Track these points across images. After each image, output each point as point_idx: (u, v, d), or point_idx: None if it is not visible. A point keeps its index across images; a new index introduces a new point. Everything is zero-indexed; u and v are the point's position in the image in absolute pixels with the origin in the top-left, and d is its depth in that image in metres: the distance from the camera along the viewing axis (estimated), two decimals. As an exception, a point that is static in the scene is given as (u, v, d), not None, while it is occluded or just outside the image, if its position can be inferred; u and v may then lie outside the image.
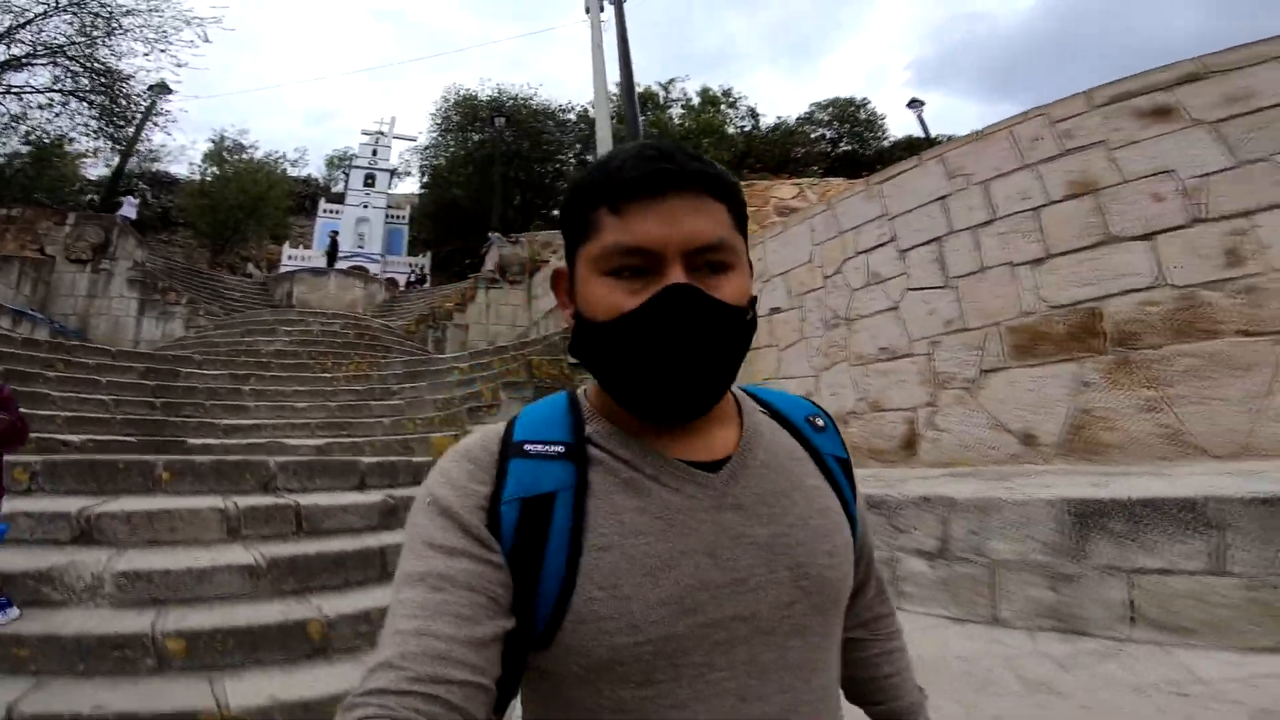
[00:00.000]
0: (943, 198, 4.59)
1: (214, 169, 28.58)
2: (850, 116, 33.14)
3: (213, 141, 30.03)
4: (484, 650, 0.49)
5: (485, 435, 0.60)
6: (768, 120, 33.13)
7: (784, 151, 30.56)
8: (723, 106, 31.71)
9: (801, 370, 5.65)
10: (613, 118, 13.70)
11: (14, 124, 16.12)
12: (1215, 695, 2.15)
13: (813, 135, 33.13)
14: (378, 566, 3.32)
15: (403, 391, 7.73)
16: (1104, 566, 2.76)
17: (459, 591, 0.50)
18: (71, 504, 2.98)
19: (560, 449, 0.58)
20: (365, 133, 34.73)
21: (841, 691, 0.67)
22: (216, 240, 25.52)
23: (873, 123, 33.05)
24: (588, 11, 14.09)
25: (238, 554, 2.98)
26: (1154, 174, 3.52)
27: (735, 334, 0.56)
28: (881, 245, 5.01)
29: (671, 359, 0.54)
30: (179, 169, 27.75)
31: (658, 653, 0.52)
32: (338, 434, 6.32)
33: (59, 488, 3.21)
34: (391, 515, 3.80)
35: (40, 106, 15.83)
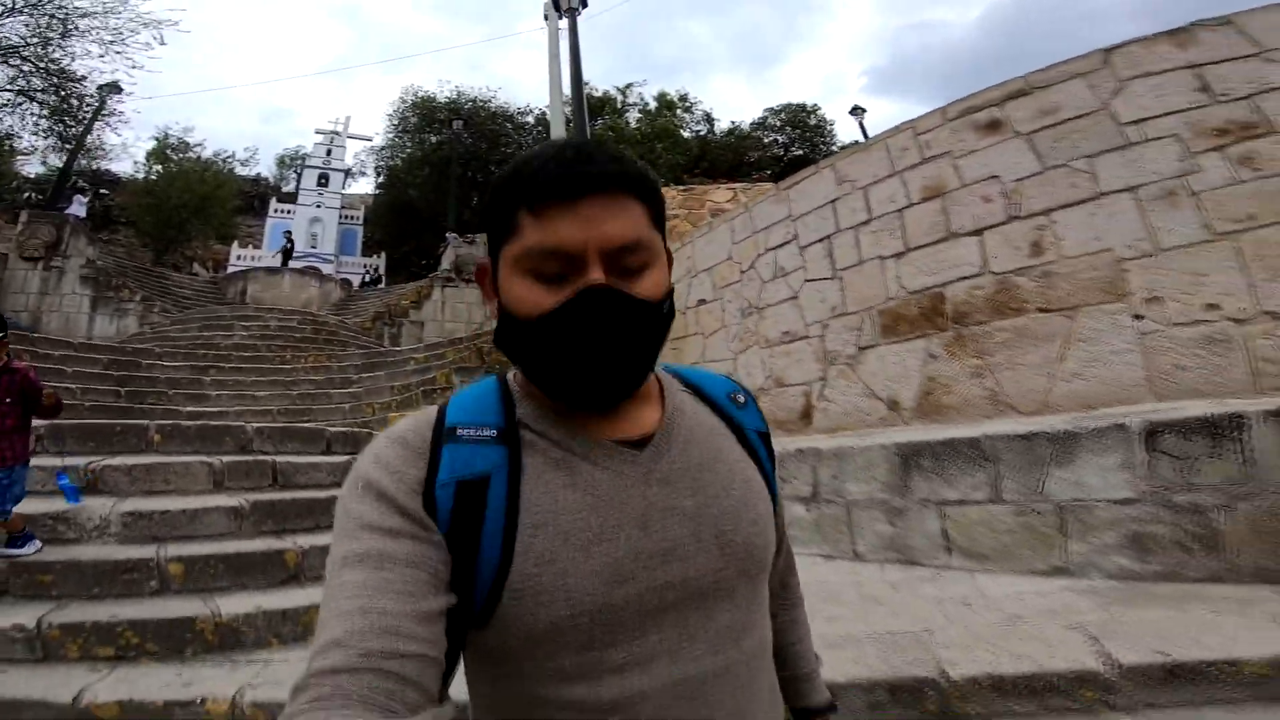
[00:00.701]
0: (833, 201, 5.37)
1: (158, 167, 28.08)
2: (801, 122, 34.28)
3: (156, 139, 29.27)
4: (431, 624, 0.50)
5: (417, 420, 0.62)
6: (723, 125, 34.14)
7: (738, 155, 31.44)
8: (679, 111, 32.47)
9: (723, 355, 6.39)
10: (568, 122, 14.26)
11: None
12: (989, 605, 2.90)
13: (766, 140, 34.23)
14: (305, 523, 3.92)
15: (361, 380, 8.22)
16: (921, 500, 3.55)
17: (401, 569, 0.51)
18: (78, 460, 3.49)
19: (492, 432, 0.60)
20: (319, 132, 34.30)
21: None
22: (160, 239, 25.02)
23: (822, 128, 34.26)
24: (546, 19, 14.64)
25: (224, 499, 3.53)
26: (985, 179, 4.34)
27: (651, 327, 0.59)
28: (786, 243, 5.78)
29: (590, 355, 0.56)
30: (121, 167, 27.18)
31: (594, 622, 0.54)
32: (298, 419, 6.80)
33: (62, 448, 3.70)
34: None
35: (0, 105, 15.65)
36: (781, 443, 4.75)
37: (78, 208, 14.94)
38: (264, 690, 2.54)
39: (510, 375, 0.67)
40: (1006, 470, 3.19)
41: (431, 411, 0.62)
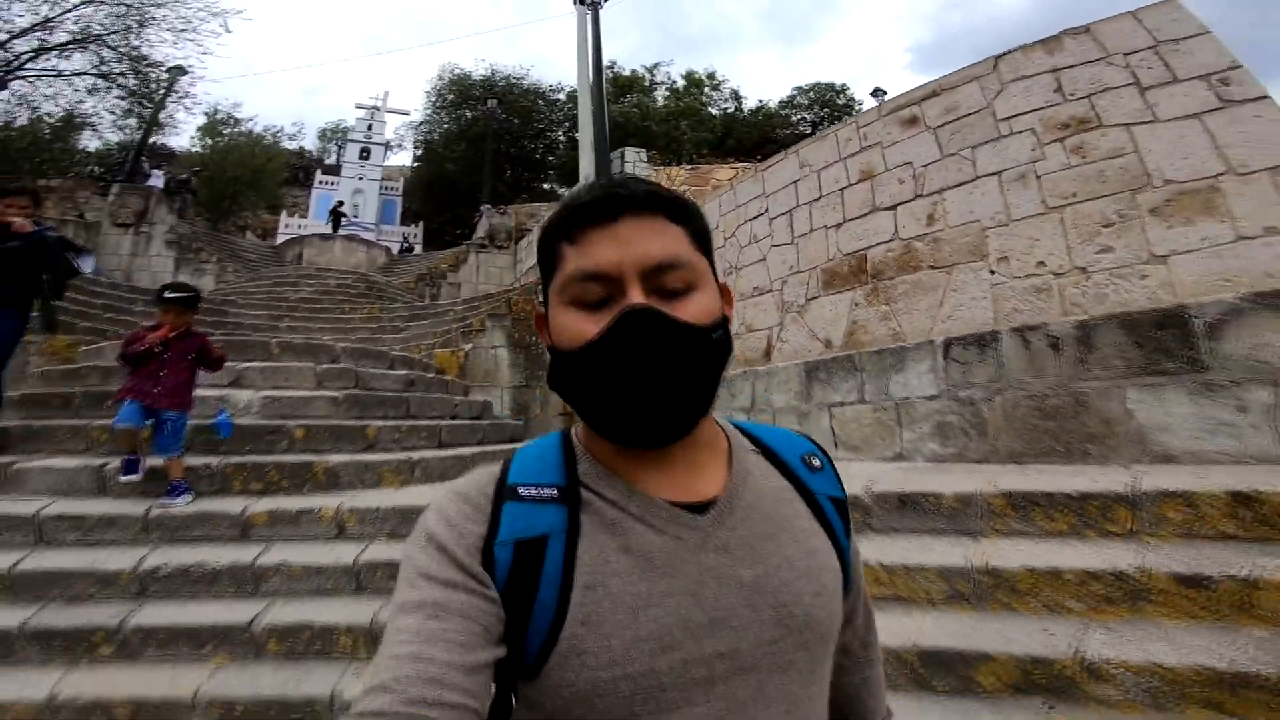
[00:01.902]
0: (795, 182, 6.54)
1: (209, 140, 29.96)
2: (830, 101, 34.62)
3: (207, 115, 31.01)
4: (476, 676, 0.51)
5: (480, 477, 0.63)
6: (750, 103, 34.74)
7: (764, 133, 32.03)
8: (706, 89, 33.21)
9: (709, 308, 7.65)
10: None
11: (30, 102, 17.76)
12: (847, 479, 4.10)
13: (794, 118, 34.68)
14: (404, 408, 5.35)
15: (409, 328, 9.69)
16: (819, 404, 4.80)
17: (454, 620, 0.53)
18: (231, 364, 4.97)
19: (553, 492, 0.61)
20: (360, 106, 36.04)
21: None
22: (215, 209, 26.89)
23: (850, 107, 34.63)
24: (575, 5, 15.70)
25: (325, 392, 4.98)
26: (902, 165, 5.48)
27: (700, 354, 0.57)
28: (759, 215, 6.98)
29: (635, 382, 0.55)
30: (177, 141, 29.10)
31: (636, 688, 0.54)
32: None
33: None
34: (411, 386, 5.84)
35: (86, 90, 17.48)
36: (741, 370, 6.02)
37: (156, 181, 16.74)
38: (350, 505, 3.91)
39: (574, 430, 0.68)
40: (867, 378, 4.43)
41: (496, 468, 0.64)
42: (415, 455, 4.63)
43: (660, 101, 31.08)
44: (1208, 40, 4.11)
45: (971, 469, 3.62)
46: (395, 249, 25.01)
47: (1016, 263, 4.52)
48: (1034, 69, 4.86)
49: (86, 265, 4.90)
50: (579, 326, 0.57)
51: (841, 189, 5.97)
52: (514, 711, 0.60)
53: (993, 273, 4.63)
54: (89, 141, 24.57)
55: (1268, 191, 3.44)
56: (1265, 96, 3.71)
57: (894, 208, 5.44)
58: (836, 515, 0.69)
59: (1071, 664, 2.09)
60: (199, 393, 4.27)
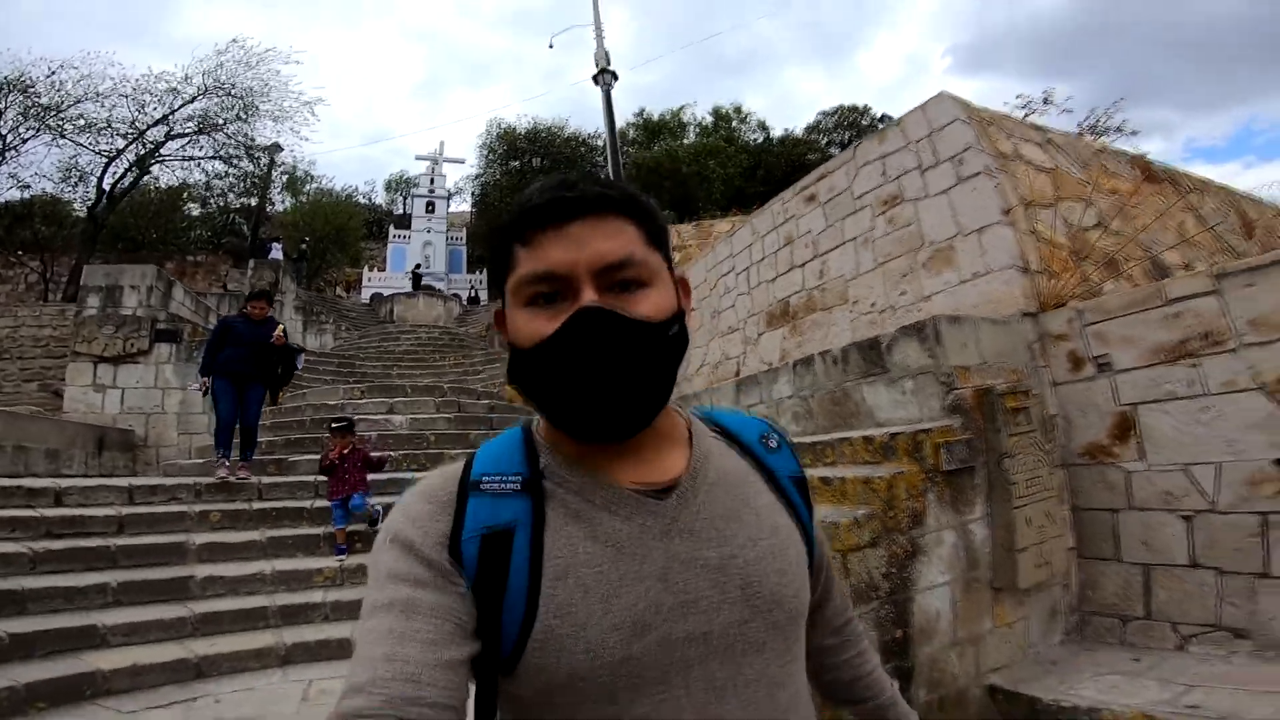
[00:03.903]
0: (749, 245, 9.18)
1: (293, 200, 33.70)
2: (854, 123, 36.44)
3: (286, 174, 32.41)
4: (453, 672, 0.53)
5: (444, 474, 0.65)
6: (777, 132, 36.94)
7: (793, 160, 33.60)
8: (734, 123, 35.43)
9: (700, 342, 10.31)
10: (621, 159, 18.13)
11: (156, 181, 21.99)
12: None
13: (822, 142, 36.64)
14: (489, 423, 8.31)
15: (484, 370, 12.85)
16: (743, 407, 7.40)
17: (425, 618, 0.54)
18: (382, 399, 8.03)
19: (516, 484, 0.62)
20: (419, 158, 40.40)
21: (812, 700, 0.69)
22: (297, 269, 30.51)
23: (874, 126, 36.41)
24: (595, 83, 18.78)
25: (440, 414, 8.00)
26: (805, 233, 8.02)
27: (653, 349, 0.59)
28: (729, 272, 9.65)
29: (590, 379, 0.57)
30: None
31: (615, 674, 0.56)
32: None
33: (368, 398, 8.32)
34: (492, 410, 8.83)
35: (212, 174, 21.93)
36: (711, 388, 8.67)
37: (276, 252, 20.78)
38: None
39: (535, 424, 0.69)
40: (763, 388, 6.97)
41: (459, 465, 0.66)
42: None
43: (691, 137, 33.72)
44: (958, 125, 6.00)
45: (807, 437, 6.22)
46: (464, 296, 28.65)
47: (861, 305, 7.04)
48: (873, 156, 7.14)
49: (300, 362, 7.44)
50: (534, 326, 0.59)
51: (775, 251, 8.59)
52: (498, 709, 0.61)
53: (851, 311, 7.17)
54: (193, 207, 28.64)
55: (975, 247, 5.83)
56: (979, 173, 5.79)
57: (803, 265, 8.02)
58: (797, 492, 0.72)
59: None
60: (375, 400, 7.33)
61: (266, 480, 6.47)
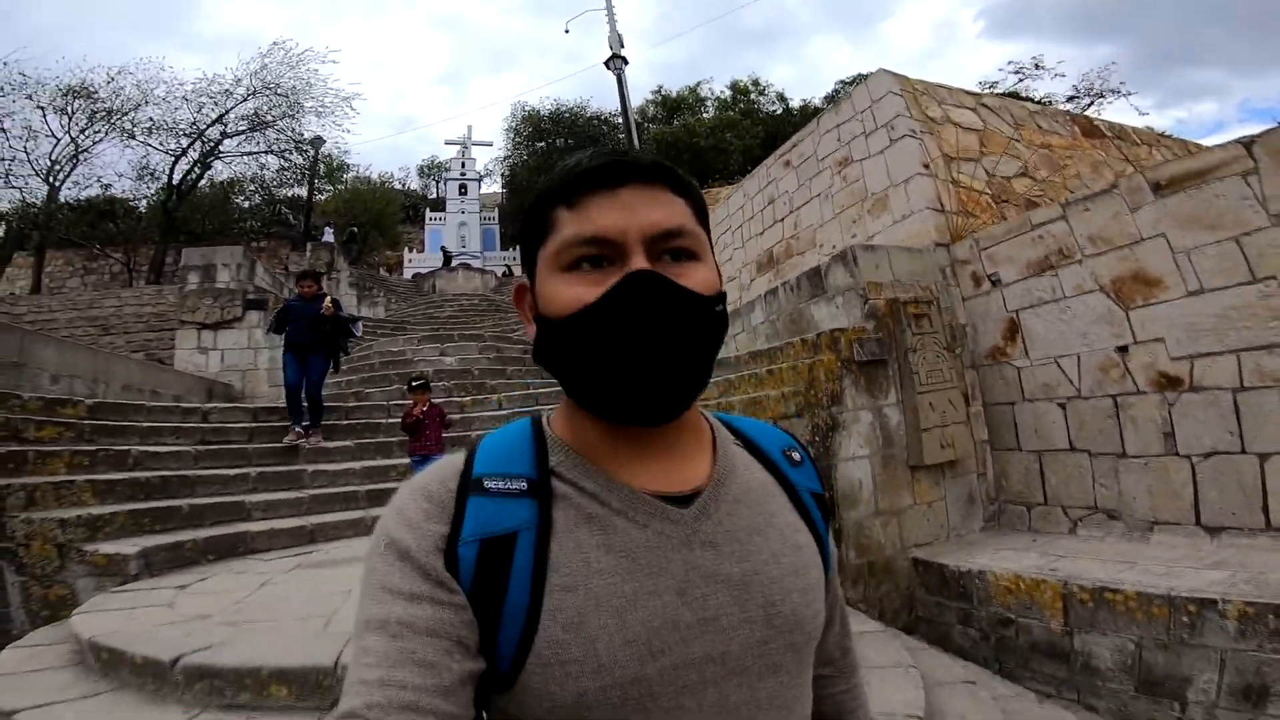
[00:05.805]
0: (741, 206, 10.57)
1: (331, 188, 35.13)
2: (871, 94, 36.47)
3: (323, 163, 34.14)
4: (453, 696, 0.49)
5: (443, 469, 0.60)
6: (795, 103, 37.13)
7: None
8: (752, 96, 35.92)
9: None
10: (640, 135, 19.40)
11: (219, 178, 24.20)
12: None
13: (841, 110, 36.70)
14: (523, 363, 9.98)
15: (520, 328, 14.49)
16: (729, 335, 8.87)
17: (420, 638, 0.50)
18: (434, 344, 9.74)
19: (522, 485, 0.58)
20: (449, 143, 42.03)
21: None
22: (347, 251, 32.51)
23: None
24: (608, 67, 20.07)
25: (484, 356, 9.71)
26: (784, 193, 9.39)
27: (703, 324, 0.56)
28: (726, 231, 11.04)
29: (638, 350, 0.53)
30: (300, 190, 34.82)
31: (625, 696, 0.52)
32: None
33: (423, 343, 10.08)
34: (525, 353, 10.49)
35: (264, 167, 24.06)
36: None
37: (329, 236, 22.81)
38: (502, 397, 8.48)
39: (545, 418, 0.65)
40: (743, 318, 8.42)
41: (459, 458, 0.61)
42: (530, 382, 9.19)
43: (711, 112, 34.49)
44: (890, 97, 7.36)
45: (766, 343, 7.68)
46: (500, 272, 30.39)
47: (825, 248, 8.40)
48: (831, 125, 8.50)
49: (358, 330, 8.08)
50: (574, 291, 0.55)
51: (760, 210, 9.97)
52: None
53: (818, 254, 8.53)
54: (244, 200, 30.49)
55: (903, 195, 7.14)
56: (905, 135, 7.12)
57: (782, 220, 9.40)
58: (817, 510, 0.69)
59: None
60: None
61: (351, 404, 8.28)
